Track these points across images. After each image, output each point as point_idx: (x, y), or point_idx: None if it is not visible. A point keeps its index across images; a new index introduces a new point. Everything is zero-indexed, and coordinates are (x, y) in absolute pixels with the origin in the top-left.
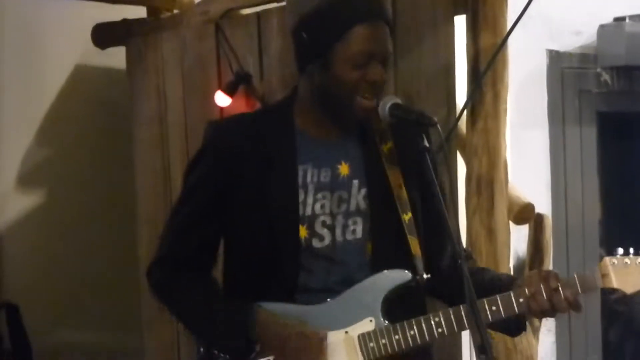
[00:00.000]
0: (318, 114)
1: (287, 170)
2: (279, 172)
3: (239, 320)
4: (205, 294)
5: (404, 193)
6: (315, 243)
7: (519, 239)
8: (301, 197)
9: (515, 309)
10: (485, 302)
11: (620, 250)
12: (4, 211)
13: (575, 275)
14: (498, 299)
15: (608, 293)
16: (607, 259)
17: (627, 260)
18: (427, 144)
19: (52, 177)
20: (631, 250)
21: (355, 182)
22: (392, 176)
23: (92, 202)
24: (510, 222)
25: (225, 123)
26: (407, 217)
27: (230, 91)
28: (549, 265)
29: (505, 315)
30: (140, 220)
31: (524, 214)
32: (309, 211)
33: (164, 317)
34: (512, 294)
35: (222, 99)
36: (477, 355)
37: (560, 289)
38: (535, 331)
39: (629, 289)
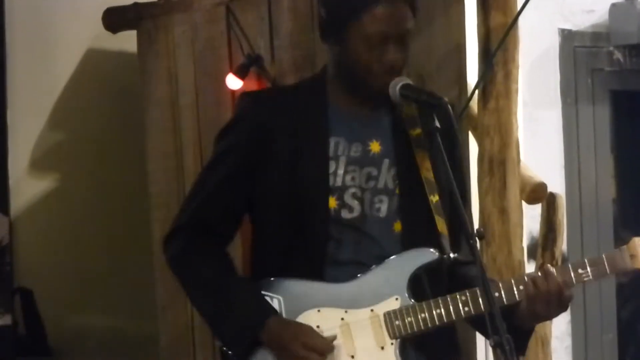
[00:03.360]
0: (347, 89)
1: (318, 141)
2: (310, 143)
3: (249, 323)
4: (221, 280)
5: (431, 176)
6: (345, 214)
7: (532, 218)
8: (332, 168)
9: (516, 295)
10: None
11: None
12: (17, 197)
13: (604, 256)
14: (500, 284)
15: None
16: (636, 239)
17: None
18: (437, 124)
19: (64, 161)
20: None
21: (387, 160)
22: (420, 159)
23: (104, 186)
24: (523, 202)
25: (258, 94)
26: (434, 198)
27: (241, 74)
28: (562, 244)
29: (507, 302)
30: (153, 204)
31: (537, 193)
32: (339, 182)
33: (178, 302)
34: (512, 280)
35: (233, 82)
36: (491, 336)
37: (555, 277)
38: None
39: None
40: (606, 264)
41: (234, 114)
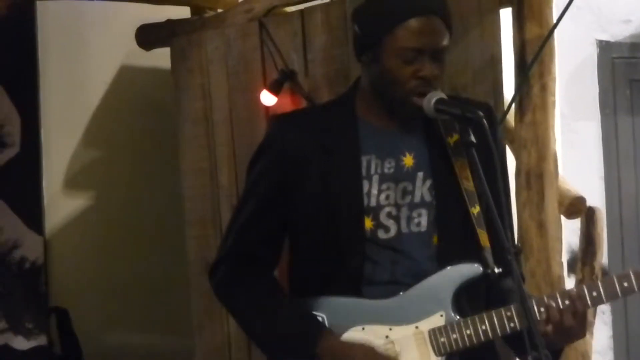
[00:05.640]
0: (379, 104)
1: (350, 160)
2: (343, 163)
3: (303, 340)
4: (268, 301)
5: (471, 186)
6: (381, 234)
7: (573, 231)
8: (365, 187)
9: (537, 315)
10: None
11: None
12: (52, 215)
13: (631, 272)
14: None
15: None
16: None
17: None
18: (472, 139)
19: (98, 178)
20: None
21: (420, 174)
22: (458, 168)
23: (139, 203)
24: (563, 216)
25: (287, 116)
26: (475, 210)
27: (275, 89)
28: (603, 258)
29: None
30: (188, 221)
31: (575, 207)
32: (373, 202)
33: (214, 320)
34: (534, 300)
35: (267, 98)
36: (529, 352)
37: (574, 303)
38: (589, 326)
39: None
40: (633, 280)
41: (264, 139)
